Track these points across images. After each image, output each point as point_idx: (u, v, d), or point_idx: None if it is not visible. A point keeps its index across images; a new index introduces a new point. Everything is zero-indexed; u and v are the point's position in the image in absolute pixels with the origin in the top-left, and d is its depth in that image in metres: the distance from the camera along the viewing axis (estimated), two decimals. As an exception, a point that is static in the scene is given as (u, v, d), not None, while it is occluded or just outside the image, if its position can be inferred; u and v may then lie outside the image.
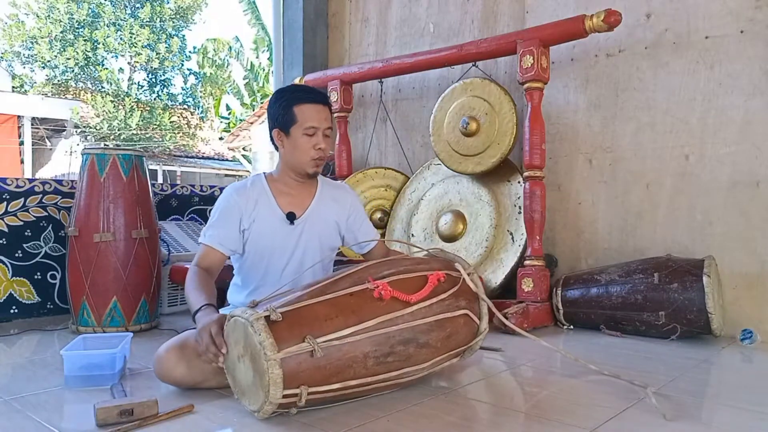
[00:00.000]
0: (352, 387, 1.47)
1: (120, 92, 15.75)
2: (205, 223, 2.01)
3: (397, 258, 1.76)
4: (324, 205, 2.01)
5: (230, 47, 15.57)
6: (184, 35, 17.07)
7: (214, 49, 16.25)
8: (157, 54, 16.15)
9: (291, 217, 1.93)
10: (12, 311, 2.81)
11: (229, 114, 16.14)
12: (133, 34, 15.65)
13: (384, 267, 1.64)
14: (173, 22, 16.51)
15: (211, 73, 16.54)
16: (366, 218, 2.14)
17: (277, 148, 1.97)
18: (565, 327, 2.62)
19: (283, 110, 1.90)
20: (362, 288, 1.52)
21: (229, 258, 1.96)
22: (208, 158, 16.09)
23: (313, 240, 1.97)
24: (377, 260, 1.75)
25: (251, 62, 14.42)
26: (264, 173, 2.03)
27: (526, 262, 2.69)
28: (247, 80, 14.37)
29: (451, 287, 1.65)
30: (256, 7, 13.03)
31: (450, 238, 3.06)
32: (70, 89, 15.72)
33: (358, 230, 2.08)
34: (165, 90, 17.13)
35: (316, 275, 1.89)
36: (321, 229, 1.99)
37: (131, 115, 15.21)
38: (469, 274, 1.73)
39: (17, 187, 2.85)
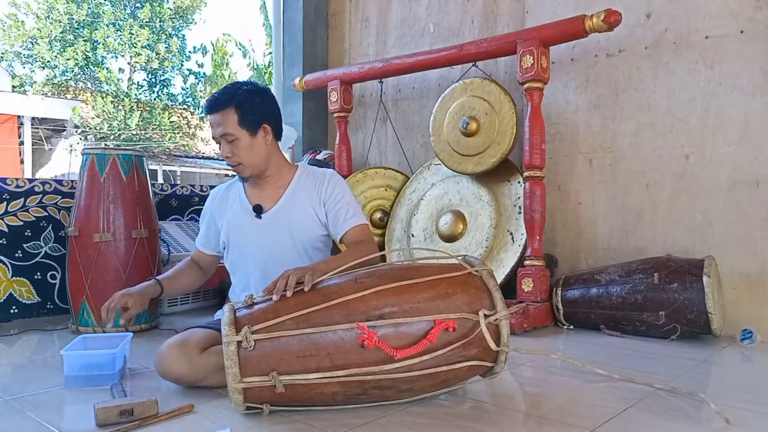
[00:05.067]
0: (319, 410, 1.48)
1: (120, 92, 15.74)
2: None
3: (420, 283, 1.47)
4: (298, 195, 1.95)
5: (236, 42, 15.52)
6: (184, 35, 17.08)
7: (215, 49, 16.27)
8: (157, 54, 16.15)
9: (258, 210, 1.93)
10: (12, 311, 2.81)
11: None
12: (133, 34, 15.65)
13: (390, 299, 1.43)
14: (173, 22, 16.51)
15: (211, 73, 16.55)
16: (343, 201, 1.94)
17: None
18: (565, 327, 2.62)
19: None
20: (349, 327, 1.39)
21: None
22: (208, 158, 16.10)
23: (287, 233, 1.92)
24: (394, 279, 1.48)
25: (255, 62, 14.41)
26: None
27: (526, 262, 2.69)
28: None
29: (460, 339, 1.42)
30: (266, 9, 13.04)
31: (450, 238, 3.05)
32: (70, 89, 15.72)
33: (333, 213, 1.93)
34: (165, 90, 17.12)
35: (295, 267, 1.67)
36: (293, 221, 1.93)
37: (131, 115, 15.21)
38: (495, 320, 1.46)
39: (17, 187, 2.85)
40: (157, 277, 1.93)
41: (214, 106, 1.87)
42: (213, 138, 1.92)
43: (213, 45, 16.56)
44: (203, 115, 17.37)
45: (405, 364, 1.39)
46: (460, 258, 1.62)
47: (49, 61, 15.36)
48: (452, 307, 1.44)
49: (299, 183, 1.98)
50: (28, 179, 2.91)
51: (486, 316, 1.45)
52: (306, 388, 1.39)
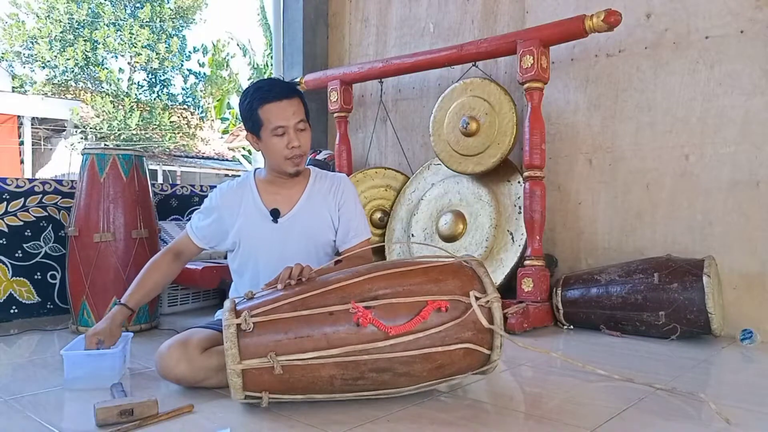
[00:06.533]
0: (318, 399, 1.48)
1: (120, 92, 15.75)
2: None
3: (410, 270, 1.55)
4: (314, 200, 1.94)
5: (238, 43, 15.52)
6: (184, 35, 17.07)
7: (215, 49, 16.26)
8: (157, 54, 16.14)
9: (275, 215, 1.90)
10: (12, 311, 2.81)
11: (230, 113, 16.14)
12: (133, 34, 15.65)
13: (383, 284, 1.49)
14: (173, 22, 16.50)
15: (211, 73, 16.55)
16: (356, 214, 1.98)
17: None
18: (565, 327, 2.62)
19: (249, 114, 1.84)
20: (344, 308, 1.43)
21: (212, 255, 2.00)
22: (208, 158, 16.11)
23: (302, 238, 1.92)
24: (387, 268, 1.55)
25: (255, 62, 14.40)
26: (255, 170, 2.03)
27: (526, 262, 2.69)
28: (251, 80, 14.34)
29: (454, 318, 1.46)
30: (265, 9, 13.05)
31: (450, 238, 3.05)
32: (70, 89, 15.72)
33: (344, 223, 1.95)
34: (165, 90, 17.12)
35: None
36: (310, 226, 1.93)
37: (131, 115, 15.21)
38: (487, 302, 1.49)
39: (17, 187, 2.85)
40: (121, 301, 1.88)
41: (291, 92, 1.84)
42: (278, 127, 1.80)
43: (214, 45, 16.57)
44: (203, 114, 17.38)
45: (400, 341, 1.42)
46: (453, 258, 1.65)
47: (49, 61, 15.36)
48: (444, 291, 1.49)
49: (314, 187, 1.97)
50: (28, 179, 2.91)
51: (477, 298, 1.49)
52: (303, 371, 1.41)
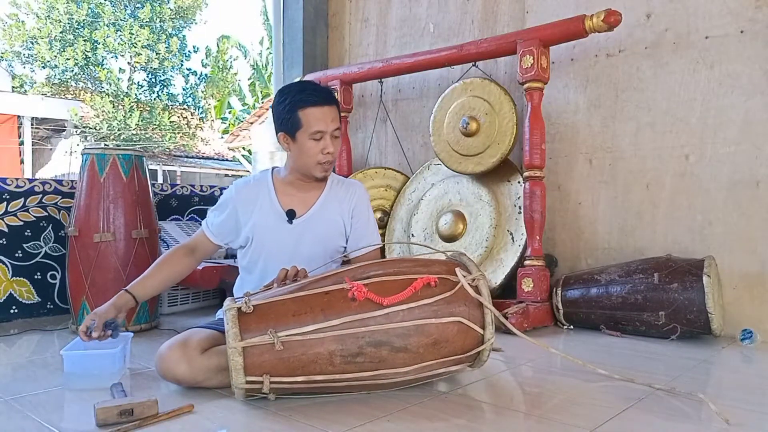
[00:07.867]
0: (319, 382, 1.49)
1: (120, 92, 15.75)
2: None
3: (399, 259, 1.64)
4: (329, 205, 1.95)
5: (238, 44, 15.52)
6: (184, 35, 17.07)
7: (218, 50, 16.28)
8: (157, 54, 16.15)
9: (290, 215, 1.90)
10: (12, 311, 2.81)
11: (230, 113, 16.16)
12: (133, 34, 15.65)
13: (374, 267, 1.60)
14: (173, 22, 16.51)
15: (211, 74, 16.55)
16: (368, 223, 2.00)
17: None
18: (565, 327, 2.62)
19: (287, 114, 1.84)
20: (339, 287, 1.51)
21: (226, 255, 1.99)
22: (208, 158, 16.10)
23: (314, 241, 1.92)
24: (375, 260, 1.66)
25: (256, 62, 14.42)
26: (273, 168, 2.03)
27: (526, 262, 2.69)
28: (251, 80, 14.37)
29: (444, 292, 1.54)
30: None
31: (450, 238, 3.05)
32: (70, 89, 15.72)
33: (356, 231, 1.98)
34: (165, 90, 17.12)
35: None
36: (324, 230, 1.93)
37: (130, 115, 15.22)
38: (473, 280, 1.58)
39: (17, 187, 2.85)
40: (126, 288, 1.85)
41: (332, 99, 1.87)
42: (317, 132, 1.82)
43: (218, 45, 16.59)
44: (203, 115, 17.37)
45: (394, 310, 1.49)
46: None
47: (49, 61, 15.36)
48: (432, 271, 1.60)
49: (330, 192, 1.97)
50: (28, 179, 2.91)
51: (464, 276, 1.58)
52: (303, 347, 1.45)
